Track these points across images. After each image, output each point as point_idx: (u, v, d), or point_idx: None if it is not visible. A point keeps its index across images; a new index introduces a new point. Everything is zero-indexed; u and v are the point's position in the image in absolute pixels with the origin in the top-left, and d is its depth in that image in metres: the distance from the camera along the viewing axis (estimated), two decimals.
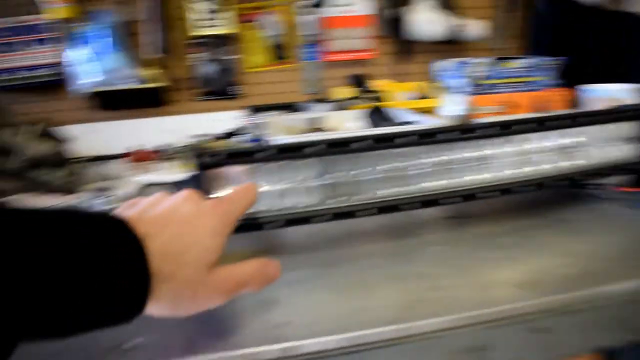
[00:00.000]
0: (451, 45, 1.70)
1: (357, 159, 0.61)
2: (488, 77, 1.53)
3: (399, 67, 1.68)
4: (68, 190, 1.01)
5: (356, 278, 0.54)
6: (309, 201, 0.60)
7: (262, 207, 0.59)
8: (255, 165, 0.58)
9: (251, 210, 0.58)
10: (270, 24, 1.52)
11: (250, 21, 1.54)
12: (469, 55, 1.70)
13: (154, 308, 0.38)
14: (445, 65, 1.62)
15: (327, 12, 1.58)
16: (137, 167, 1.17)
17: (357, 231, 0.68)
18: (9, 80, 1.41)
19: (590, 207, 0.72)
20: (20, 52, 1.43)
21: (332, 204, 0.60)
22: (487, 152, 0.66)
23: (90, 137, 1.38)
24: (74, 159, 1.07)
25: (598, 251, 0.57)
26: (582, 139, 0.69)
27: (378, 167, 0.61)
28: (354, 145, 0.59)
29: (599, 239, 0.60)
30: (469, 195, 0.64)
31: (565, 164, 0.69)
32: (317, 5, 1.48)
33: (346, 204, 0.61)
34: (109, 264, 0.34)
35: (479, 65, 1.51)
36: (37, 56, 1.44)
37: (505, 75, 1.53)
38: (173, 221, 0.40)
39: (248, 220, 0.57)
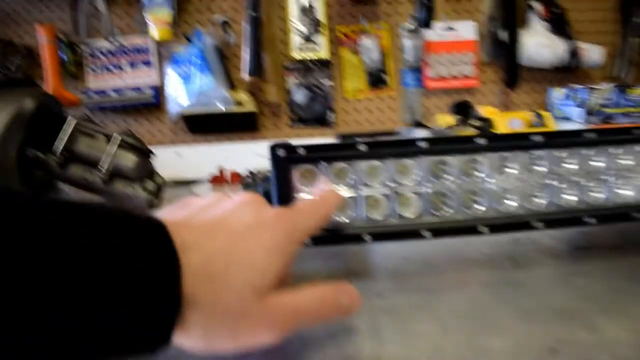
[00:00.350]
0: (565, 73, 1.54)
1: (473, 162, 0.49)
2: (608, 106, 1.36)
3: (506, 95, 1.54)
4: (150, 206, 0.95)
5: (470, 309, 0.41)
6: (405, 213, 0.49)
7: (345, 217, 0.48)
8: (342, 165, 0.47)
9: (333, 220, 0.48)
10: (370, 49, 1.44)
11: (349, 45, 1.47)
12: (584, 83, 1.54)
13: (184, 339, 0.30)
14: (560, 93, 1.47)
15: (430, 36, 1.48)
16: (216, 189, 1.10)
17: (461, 254, 0.56)
18: (113, 100, 1.41)
19: None
20: (127, 73, 1.43)
21: (436, 217, 0.49)
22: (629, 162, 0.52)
23: (177, 160, 1.35)
24: (158, 175, 1.01)
25: None
26: None
27: (498, 176, 0.49)
28: (473, 144, 0.47)
29: None
30: (621, 215, 0.50)
31: None
32: (422, 27, 1.38)
33: (454, 218, 0.49)
34: (131, 278, 0.27)
35: (598, 92, 1.35)
36: (143, 78, 1.43)
37: (628, 104, 1.36)
38: (222, 231, 0.33)
39: (328, 230, 0.47)
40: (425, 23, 1.35)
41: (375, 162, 0.47)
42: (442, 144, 0.47)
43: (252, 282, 0.32)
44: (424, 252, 0.57)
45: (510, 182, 0.49)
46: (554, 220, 0.49)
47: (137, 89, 1.41)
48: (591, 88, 1.35)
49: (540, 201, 0.50)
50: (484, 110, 1.31)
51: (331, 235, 0.47)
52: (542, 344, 0.35)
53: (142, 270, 0.27)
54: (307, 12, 1.40)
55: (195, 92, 1.33)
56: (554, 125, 1.34)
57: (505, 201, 0.50)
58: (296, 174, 0.47)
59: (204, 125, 1.37)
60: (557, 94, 1.47)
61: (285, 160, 0.46)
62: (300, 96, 1.44)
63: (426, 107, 1.51)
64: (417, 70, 1.49)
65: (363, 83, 1.48)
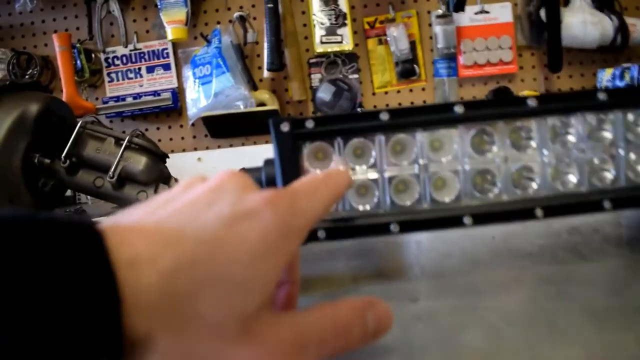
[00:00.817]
0: (612, 52, 1.42)
1: (523, 131, 0.40)
2: None
3: (548, 79, 1.43)
4: None
5: (528, 313, 0.32)
6: (441, 196, 0.40)
7: (367, 203, 0.40)
8: (361, 140, 0.39)
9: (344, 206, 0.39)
10: (398, 38, 1.35)
11: (375, 36, 1.38)
12: (635, 62, 1.42)
13: None
14: (608, 74, 1.35)
15: (463, 21, 1.38)
16: None
17: (511, 247, 0.46)
18: (131, 105, 1.35)
19: None
20: (145, 78, 1.38)
21: (478, 200, 0.40)
22: None
23: (199, 165, 1.28)
24: (174, 179, 0.94)
25: None
26: None
27: (555, 146, 0.40)
28: (522, 107, 0.38)
29: None
30: None
31: None
32: (454, 11, 1.28)
33: (501, 201, 0.40)
34: (46, 317, 0.18)
35: None
36: (161, 82, 1.37)
37: None
38: (189, 231, 0.23)
39: (339, 220, 0.38)
40: (457, 6, 1.25)
41: (402, 136, 0.38)
42: (484, 109, 0.38)
43: (232, 305, 0.22)
44: (465, 246, 0.47)
45: (570, 154, 0.40)
46: (627, 198, 0.40)
47: (156, 94, 1.35)
48: None
49: (608, 175, 0.40)
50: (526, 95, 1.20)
51: (350, 226, 0.38)
52: (626, 355, 0.26)
53: (61, 303, 0.18)
54: (329, 3, 1.31)
55: (213, 93, 1.26)
56: None
57: (565, 177, 0.40)
58: (306, 154, 0.38)
59: (224, 127, 1.30)
60: (606, 75, 1.36)
61: (291, 136, 0.37)
62: (325, 92, 1.36)
63: (462, 97, 1.41)
64: (451, 58, 1.39)
65: (392, 75, 1.39)
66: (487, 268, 0.42)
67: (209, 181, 0.27)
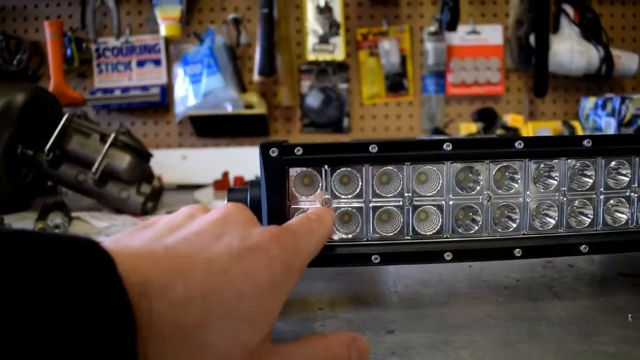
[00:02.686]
0: (597, 81, 1.45)
1: (508, 171, 0.41)
2: None
3: (533, 103, 1.45)
4: (144, 211, 0.88)
5: (500, 352, 0.33)
6: (423, 230, 0.41)
7: (349, 232, 0.40)
8: (348, 170, 0.39)
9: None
10: (389, 52, 1.36)
11: (367, 48, 1.39)
12: (618, 92, 1.45)
13: None
14: (591, 102, 1.38)
15: (454, 40, 1.40)
16: (219, 195, 1.02)
17: (488, 279, 0.47)
18: (119, 98, 1.34)
19: None
20: (135, 72, 1.37)
21: (460, 236, 0.41)
22: None
23: (183, 164, 1.28)
24: (155, 178, 0.94)
25: None
26: None
27: (537, 187, 0.41)
28: (508, 149, 0.39)
29: None
30: None
31: None
32: (446, 30, 1.29)
33: (482, 238, 0.41)
34: (58, 346, 0.17)
35: (632, 102, 1.25)
36: (150, 77, 1.36)
37: None
38: (199, 262, 0.23)
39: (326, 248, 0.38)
40: (449, 26, 1.27)
41: (389, 168, 0.39)
42: (470, 148, 0.39)
43: (240, 337, 0.23)
44: (443, 274, 0.48)
45: (552, 196, 0.41)
46: (604, 243, 0.41)
47: (144, 88, 1.35)
48: (624, 97, 1.26)
49: (587, 219, 0.41)
50: (510, 119, 1.22)
51: (331, 255, 0.39)
52: None
53: (76, 333, 0.18)
54: (324, 12, 1.32)
55: (203, 92, 1.26)
56: None
57: (545, 219, 0.41)
58: (293, 179, 0.39)
59: (211, 127, 1.30)
60: (589, 103, 1.38)
61: (279, 161, 0.38)
62: (314, 100, 1.37)
63: (448, 114, 1.42)
64: (439, 75, 1.41)
65: (381, 88, 1.40)
66: (462, 301, 0.43)
67: (212, 212, 0.28)
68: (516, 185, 0.40)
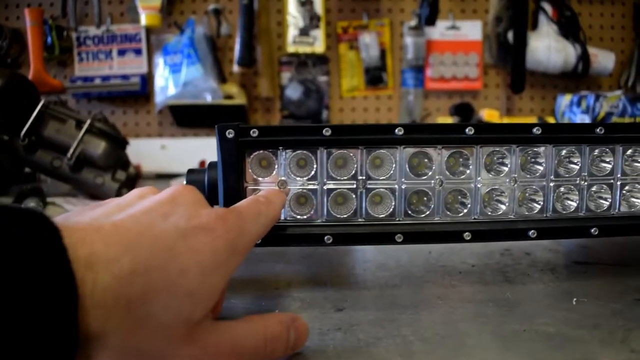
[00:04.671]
0: (574, 79, 1.47)
1: (461, 157, 0.42)
2: (621, 114, 1.28)
3: (510, 99, 1.47)
4: (118, 197, 0.88)
5: (442, 331, 0.34)
6: (376, 212, 0.42)
7: (304, 213, 0.41)
8: (303, 153, 0.40)
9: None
10: (369, 45, 1.37)
11: (347, 41, 1.40)
12: (594, 90, 1.47)
13: None
14: (566, 100, 1.39)
15: (434, 35, 1.41)
16: None
17: (445, 264, 0.49)
18: (98, 87, 1.34)
19: None
20: (115, 61, 1.37)
21: (412, 220, 0.42)
22: None
23: (162, 153, 1.28)
24: (131, 165, 0.95)
25: None
26: None
27: (489, 174, 0.42)
28: (461, 135, 0.40)
29: None
30: (632, 227, 0.43)
31: None
32: (425, 25, 1.30)
33: (433, 222, 0.42)
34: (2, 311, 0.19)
35: (606, 100, 1.27)
36: (131, 66, 1.36)
37: (637, 114, 1.28)
38: (146, 239, 0.24)
39: (276, 228, 0.39)
40: (428, 20, 1.28)
41: (343, 151, 0.40)
42: (424, 133, 0.40)
43: (181, 311, 0.24)
44: (402, 259, 0.50)
45: (503, 182, 0.42)
46: (552, 229, 0.42)
47: (125, 77, 1.35)
48: (598, 95, 1.28)
49: (537, 206, 0.42)
50: (486, 114, 1.24)
51: (286, 234, 0.40)
52: None
53: (17, 298, 0.19)
54: (305, 4, 1.33)
55: (182, 82, 1.26)
56: None
57: (496, 205, 0.42)
58: (249, 161, 0.40)
59: (190, 117, 1.31)
60: (565, 100, 1.40)
61: (235, 143, 0.39)
62: (293, 92, 1.37)
63: (426, 108, 1.44)
64: (419, 69, 1.42)
65: (360, 81, 1.41)
66: (415, 283, 0.44)
67: (162, 193, 0.29)
68: (467, 171, 0.41)
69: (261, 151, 0.40)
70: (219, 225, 0.27)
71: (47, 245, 0.21)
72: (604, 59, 1.44)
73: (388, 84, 1.42)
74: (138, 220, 0.25)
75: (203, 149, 1.31)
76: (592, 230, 0.43)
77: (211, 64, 1.29)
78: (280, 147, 0.39)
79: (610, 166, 0.44)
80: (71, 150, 0.85)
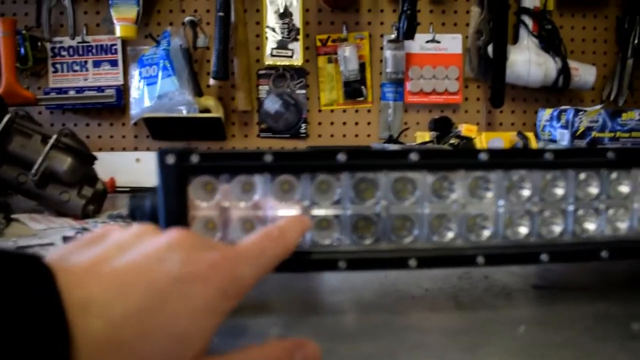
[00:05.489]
0: (555, 93, 1.47)
1: (407, 182, 0.41)
2: (601, 129, 1.29)
3: (491, 113, 1.47)
4: (85, 214, 0.87)
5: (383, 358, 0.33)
6: (321, 239, 0.41)
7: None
8: (247, 178, 0.39)
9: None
10: (348, 58, 1.36)
11: (326, 54, 1.39)
12: (576, 105, 1.47)
13: None
14: (547, 114, 1.40)
15: (413, 48, 1.41)
16: None
17: (399, 289, 0.48)
18: (72, 99, 1.32)
19: None
20: (91, 72, 1.36)
21: (356, 246, 0.41)
22: (624, 190, 0.44)
23: (136, 166, 1.27)
24: (99, 181, 0.93)
25: None
26: None
27: (437, 200, 0.41)
28: (405, 160, 0.39)
29: None
30: (589, 252, 0.42)
31: None
32: (403, 38, 1.30)
33: (378, 248, 0.41)
34: None
35: (586, 114, 1.28)
36: (106, 77, 1.35)
37: (617, 128, 1.28)
38: (139, 284, 0.25)
39: None
40: (407, 34, 1.27)
41: (287, 177, 0.39)
42: (367, 159, 0.39)
43: (172, 354, 0.25)
44: (356, 283, 0.49)
45: (450, 209, 0.41)
46: (501, 255, 0.41)
47: (100, 89, 1.33)
48: (578, 109, 1.28)
49: (486, 232, 0.42)
50: (464, 129, 1.23)
51: None
52: None
53: (9, 341, 0.20)
54: (284, 17, 1.32)
55: (157, 94, 1.25)
56: (537, 147, 1.27)
57: (444, 231, 0.41)
58: (192, 187, 0.39)
59: (166, 130, 1.29)
60: (545, 114, 1.40)
61: (176, 169, 0.38)
62: (271, 105, 1.36)
63: (406, 122, 1.43)
64: (398, 83, 1.41)
65: (339, 94, 1.40)
66: (364, 310, 0.43)
67: (161, 236, 0.29)
68: (413, 198, 0.40)
69: (203, 176, 0.39)
70: (211, 272, 0.27)
71: (41, 290, 0.21)
72: (585, 73, 1.44)
73: (367, 98, 1.41)
74: (134, 265, 0.26)
75: None
76: (543, 257, 0.42)
77: (187, 76, 1.28)
78: (223, 173, 0.38)
79: (562, 191, 0.43)
80: (36, 166, 0.84)
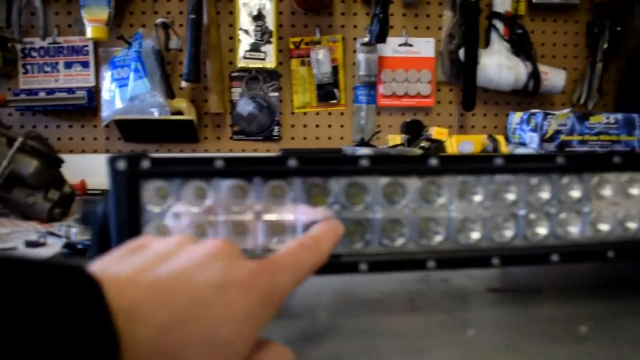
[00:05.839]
0: (526, 96, 1.49)
1: (358, 188, 0.42)
2: (569, 133, 1.30)
3: (463, 116, 1.48)
4: (51, 217, 0.86)
5: None
6: (275, 244, 0.41)
7: None
8: (199, 184, 0.40)
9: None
10: (321, 61, 1.37)
11: (300, 57, 1.40)
12: (547, 108, 1.49)
13: None
14: (517, 117, 1.41)
15: (386, 51, 1.42)
16: None
17: (356, 294, 0.48)
18: (43, 100, 1.31)
19: None
20: (62, 74, 1.34)
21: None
22: (575, 194, 0.45)
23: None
24: (67, 184, 0.93)
25: None
26: None
27: (389, 205, 0.42)
28: (356, 165, 0.40)
29: None
30: (539, 256, 0.43)
31: None
32: (375, 42, 1.31)
33: (337, 252, 0.41)
34: None
35: (555, 118, 1.29)
36: (78, 79, 1.34)
37: (591, 132, 1.30)
38: (182, 293, 0.26)
39: None
40: (379, 37, 1.28)
41: (240, 182, 0.39)
42: (318, 164, 0.39)
43: None
44: (316, 286, 0.49)
45: (402, 213, 0.42)
46: (453, 260, 0.42)
47: (71, 91, 1.32)
48: (547, 113, 1.30)
49: (437, 238, 0.42)
50: (435, 132, 1.24)
51: None
52: None
53: (61, 353, 0.20)
54: (257, 19, 1.32)
55: (129, 96, 1.24)
56: (506, 151, 1.29)
57: (395, 235, 0.42)
58: (144, 192, 0.39)
59: (138, 132, 1.29)
60: (515, 118, 1.42)
61: (127, 175, 0.38)
62: (244, 107, 1.36)
63: (379, 125, 1.44)
64: (371, 86, 1.42)
65: (312, 97, 1.41)
66: (318, 314, 0.43)
67: (200, 245, 0.30)
68: (362, 204, 0.41)
69: (156, 181, 0.39)
70: (251, 281, 0.28)
71: (90, 299, 0.22)
72: (555, 77, 1.46)
73: (340, 100, 1.42)
74: (176, 274, 0.27)
75: None
76: (494, 261, 0.42)
77: (159, 78, 1.27)
78: (176, 178, 0.39)
79: (514, 196, 0.44)
80: (1, 169, 0.83)
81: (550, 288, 0.51)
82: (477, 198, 0.43)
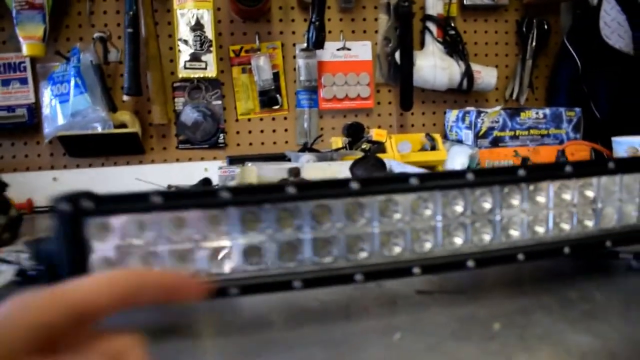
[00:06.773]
0: (462, 95, 1.56)
1: (291, 215, 0.45)
2: (501, 129, 1.37)
3: (403, 116, 1.54)
4: (0, 242, 0.87)
5: None
6: (216, 269, 0.45)
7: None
8: (140, 218, 0.42)
9: None
10: (262, 68, 1.40)
11: (240, 64, 1.42)
12: (482, 105, 1.56)
13: None
14: (453, 115, 1.48)
15: (325, 56, 1.46)
16: None
17: (296, 303, 0.52)
18: None
19: (620, 282, 0.55)
20: (0, 92, 1.33)
21: (250, 273, 0.45)
22: (487, 206, 0.50)
23: (54, 185, 1.26)
24: (12, 207, 0.93)
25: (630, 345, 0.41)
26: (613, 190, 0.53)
27: (318, 225, 0.45)
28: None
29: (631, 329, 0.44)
30: (457, 263, 0.48)
31: (590, 225, 0.53)
32: (315, 48, 1.34)
33: (267, 273, 0.45)
34: None
35: (487, 115, 1.36)
36: (17, 96, 1.33)
37: (521, 127, 1.38)
38: None
39: None
40: (316, 43, 1.32)
41: (178, 214, 0.43)
42: (249, 194, 0.43)
43: None
44: (260, 300, 0.52)
45: (329, 232, 0.45)
46: (378, 272, 0.46)
47: (10, 109, 1.31)
48: (480, 111, 1.37)
49: (363, 254, 0.46)
50: (374, 133, 1.29)
51: None
52: None
53: None
54: (195, 29, 1.34)
55: (71, 112, 1.24)
56: (443, 148, 1.35)
57: (326, 254, 0.46)
58: (89, 230, 0.41)
59: (82, 147, 1.29)
60: (452, 116, 1.48)
61: (71, 215, 0.40)
62: (187, 117, 1.38)
63: (322, 128, 1.48)
64: (312, 90, 1.46)
65: (255, 103, 1.44)
66: (256, 327, 0.46)
67: None
68: (290, 229, 0.45)
69: (98, 219, 0.41)
70: None
71: None
72: (487, 75, 1.53)
73: (283, 105, 1.45)
74: None
75: (98, 179, 1.30)
76: (415, 270, 0.47)
77: (100, 92, 1.28)
78: (118, 215, 0.41)
79: (431, 211, 0.48)
80: None
81: (473, 288, 0.56)
82: (397, 216, 0.47)
